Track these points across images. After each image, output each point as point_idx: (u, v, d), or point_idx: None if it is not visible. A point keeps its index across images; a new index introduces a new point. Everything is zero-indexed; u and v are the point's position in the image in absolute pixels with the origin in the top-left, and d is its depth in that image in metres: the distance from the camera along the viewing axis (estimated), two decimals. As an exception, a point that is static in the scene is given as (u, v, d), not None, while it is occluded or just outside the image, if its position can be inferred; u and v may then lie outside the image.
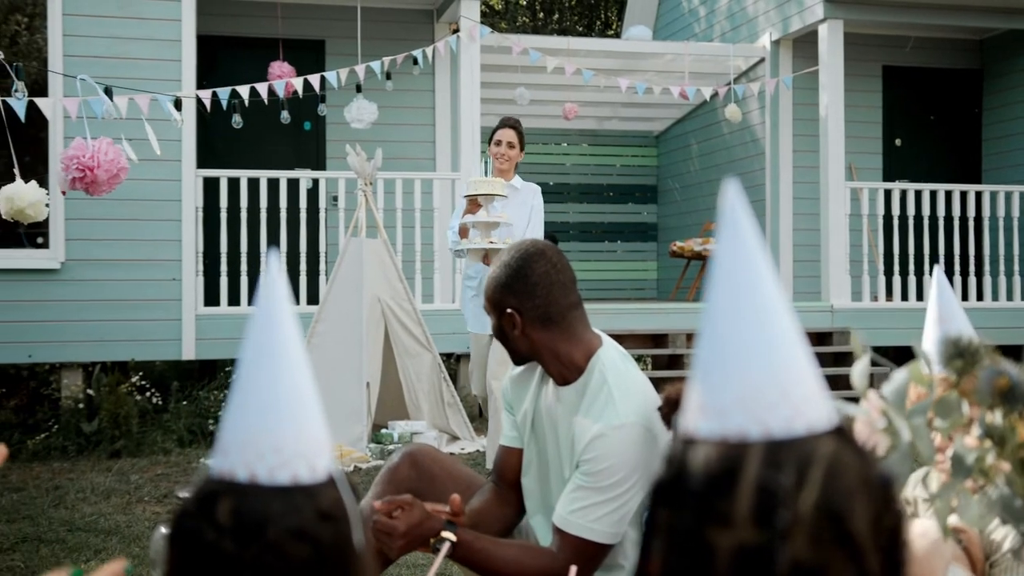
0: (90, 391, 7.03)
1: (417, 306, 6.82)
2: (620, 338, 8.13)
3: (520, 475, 2.63)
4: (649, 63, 10.00)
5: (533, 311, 2.41)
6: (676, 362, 8.05)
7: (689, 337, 8.06)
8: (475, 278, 5.77)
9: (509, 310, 2.43)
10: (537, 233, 5.66)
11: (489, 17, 18.39)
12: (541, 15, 19.00)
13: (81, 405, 7.02)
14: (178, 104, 5.72)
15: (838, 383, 6.50)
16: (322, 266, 7.72)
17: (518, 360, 2.56)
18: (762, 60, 9.73)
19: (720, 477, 0.78)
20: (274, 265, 0.88)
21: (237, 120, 6.80)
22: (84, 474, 5.94)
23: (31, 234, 7.61)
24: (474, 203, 5.32)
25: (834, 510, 0.78)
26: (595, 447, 2.31)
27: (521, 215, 5.66)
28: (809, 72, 9.07)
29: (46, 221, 7.27)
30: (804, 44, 9.38)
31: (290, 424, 0.86)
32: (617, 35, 17.77)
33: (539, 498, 2.58)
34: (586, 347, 2.45)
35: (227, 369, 7.61)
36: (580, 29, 18.91)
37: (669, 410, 2.26)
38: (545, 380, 2.55)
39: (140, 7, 7.54)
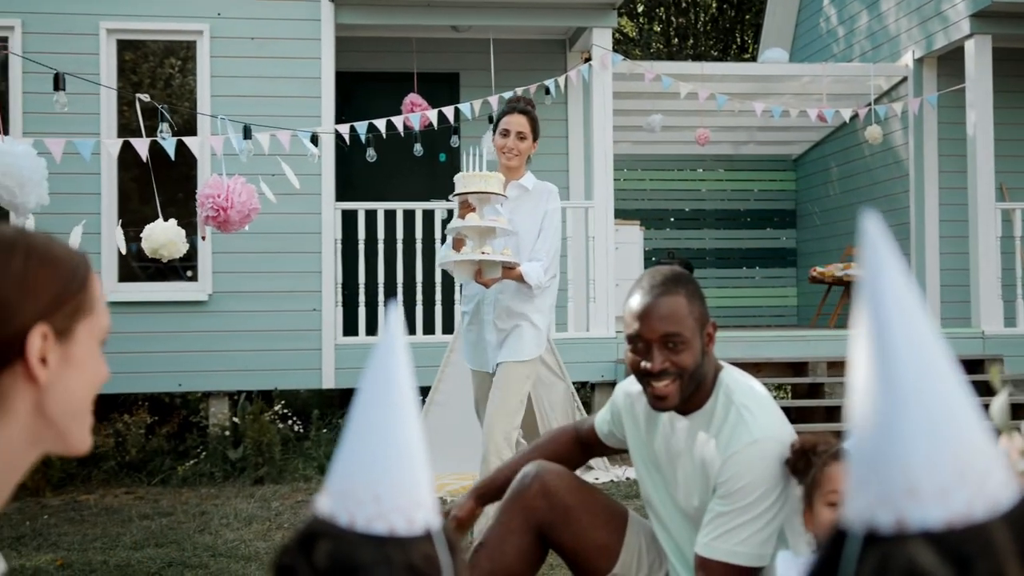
0: (236, 419, 7.26)
1: (550, 335, 6.81)
2: (759, 366, 7.95)
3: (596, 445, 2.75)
4: (785, 86, 9.82)
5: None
6: (816, 391, 7.82)
7: (830, 365, 7.83)
8: (473, 299, 4.52)
9: (713, 321, 2.38)
10: (549, 246, 4.40)
11: (623, 45, 18.39)
12: (675, 41, 18.90)
13: (227, 433, 7.25)
14: (315, 139, 5.88)
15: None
16: (456, 296, 7.80)
17: (683, 397, 2.34)
18: (904, 79, 9.44)
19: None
20: (395, 318, 0.89)
21: (371, 154, 6.95)
22: (229, 500, 6.12)
23: (182, 267, 7.93)
24: (466, 205, 4.18)
25: None
26: (730, 467, 2.25)
27: (531, 222, 4.41)
28: (955, 90, 8.75)
29: (195, 255, 7.60)
30: (949, 61, 9.06)
31: (393, 477, 0.87)
32: (753, 59, 17.55)
33: (671, 543, 2.52)
34: (715, 369, 2.41)
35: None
36: (715, 54, 18.74)
37: (796, 460, 2.19)
38: (651, 413, 2.49)
39: (282, 47, 7.81)
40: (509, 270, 4.20)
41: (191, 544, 5.04)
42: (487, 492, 2.73)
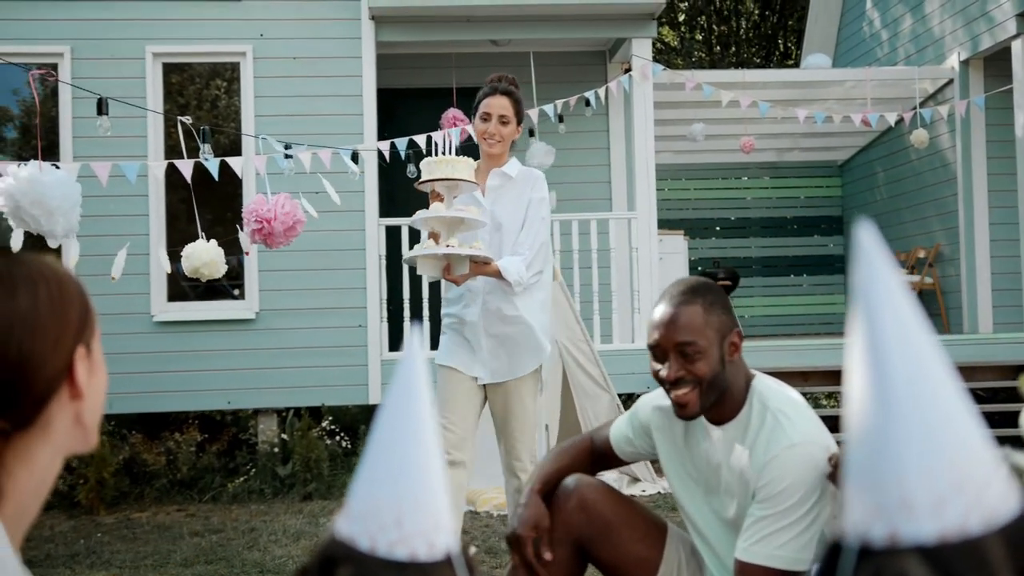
0: (284, 436, 7.32)
1: (595, 347, 6.80)
2: (807, 375, 7.84)
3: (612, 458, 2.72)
4: (829, 91, 9.73)
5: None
6: (867, 399, 7.71)
7: (880, 373, 7.73)
8: (458, 301, 3.96)
9: (737, 330, 2.39)
10: (534, 238, 3.88)
11: (664, 54, 18.36)
12: (718, 49, 18.82)
13: (276, 449, 7.32)
14: (355, 157, 5.93)
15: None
16: (501, 309, 7.81)
17: (704, 404, 2.35)
18: (950, 82, 9.32)
19: None
20: (415, 341, 0.89)
21: (411, 170, 6.99)
22: (278, 516, 6.17)
23: (230, 286, 8.03)
24: (434, 194, 3.75)
25: None
26: (769, 471, 2.25)
27: (515, 213, 3.92)
28: (1002, 91, 8.62)
29: (242, 273, 7.69)
30: (996, 62, 8.93)
31: (417, 501, 0.87)
32: (796, 65, 17.42)
33: (711, 554, 2.50)
34: (746, 378, 2.41)
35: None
36: (758, 61, 18.63)
37: (836, 470, 2.17)
38: (690, 426, 2.48)
39: (323, 65, 7.88)
40: (483, 265, 3.71)
41: (240, 561, 5.09)
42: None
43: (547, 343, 3.94)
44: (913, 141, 8.56)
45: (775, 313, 11.68)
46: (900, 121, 8.84)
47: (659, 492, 6.41)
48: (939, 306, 9.57)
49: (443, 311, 4.04)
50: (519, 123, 3.98)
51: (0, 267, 1.19)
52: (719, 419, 2.40)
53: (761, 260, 12.14)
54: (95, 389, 1.26)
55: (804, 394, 10.14)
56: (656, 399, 2.60)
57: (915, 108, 8.67)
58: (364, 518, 0.87)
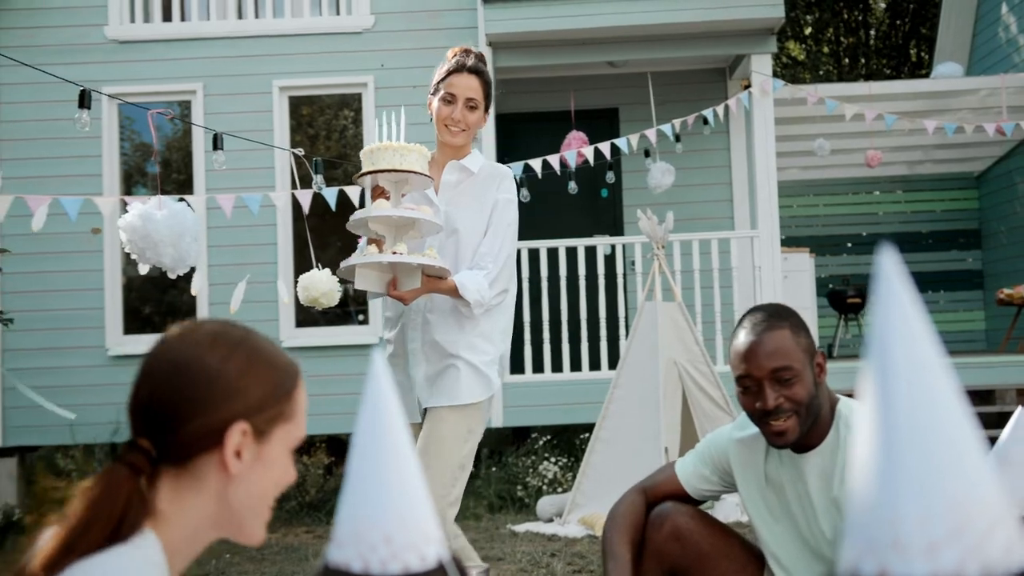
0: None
1: (716, 368, 6.70)
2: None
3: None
4: (961, 101, 9.39)
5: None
6: (1005, 420, 7.38)
7: (1020, 392, 7.39)
8: (396, 321, 3.24)
9: (822, 351, 2.34)
10: (499, 248, 3.14)
11: (791, 69, 18.04)
12: (846, 61, 18.40)
13: (401, 472, 7.41)
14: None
15: None
16: (622, 331, 7.77)
17: (802, 430, 2.26)
18: (1092, 86, 8.89)
19: None
20: (378, 361, 0.91)
21: (525, 194, 7.03)
22: (401, 538, 6.24)
23: (355, 311, 8.21)
24: (377, 190, 3.01)
25: None
26: None
27: (477, 217, 3.18)
28: None
29: (365, 299, 7.85)
30: None
31: (402, 515, 0.88)
32: (929, 75, 16.90)
33: None
34: (831, 401, 2.34)
35: (533, 435, 7.79)
36: (888, 72, 18.13)
37: None
38: (771, 455, 2.41)
39: (442, 94, 8.01)
40: (435, 280, 3.00)
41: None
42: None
43: (496, 378, 3.19)
44: (1052, 150, 8.19)
45: (910, 331, 11.30)
46: (1038, 129, 8.46)
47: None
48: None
49: (382, 335, 3.30)
50: (487, 109, 3.25)
51: (221, 326, 1.36)
52: (806, 446, 2.33)
53: (894, 276, 11.74)
54: (255, 480, 1.30)
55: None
56: (732, 432, 2.52)
57: (1054, 115, 8.30)
58: (353, 541, 0.89)
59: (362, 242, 3.16)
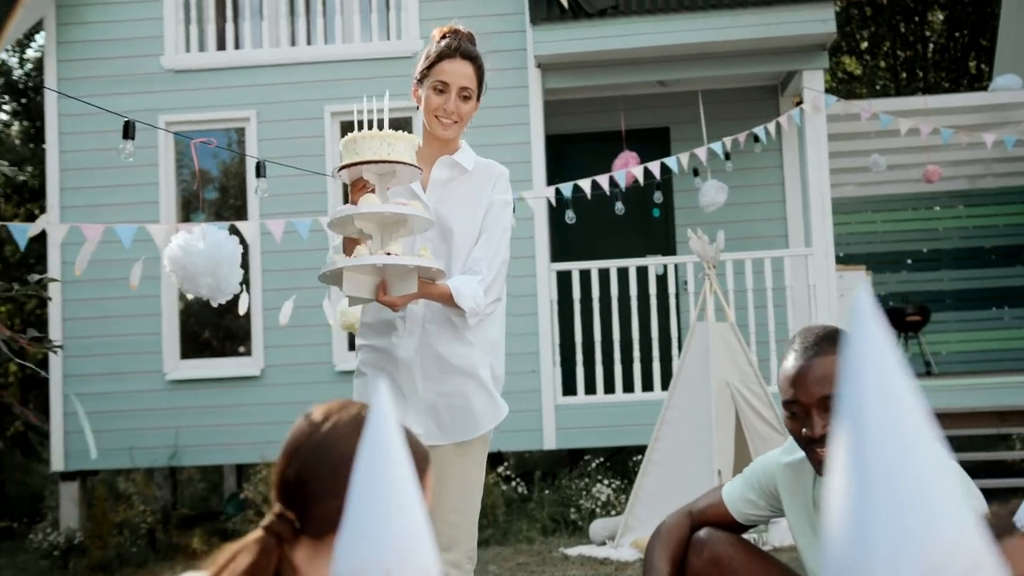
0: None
1: (769, 389, 6.60)
2: (1003, 415, 7.40)
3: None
4: (1021, 113, 9.20)
5: None
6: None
7: (1087, 411, 7.19)
8: (383, 332, 2.89)
9: None
10: (493, 253, 2.84)
11: (847, 84, 17.84)
12: (904, 75, 18.15)
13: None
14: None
15: None
16: (674, 351, 7.71)
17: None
18: None
19: None
20: (383, 393, 0.89)
21: (570, 216, 7.02)
22: (453, 561, 6.23)
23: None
24: (359, 184, 2.66)
25: None
26: None
27: (469, 217, 2.88)
28: None
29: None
30: None
31: (403, 549, 0.87)
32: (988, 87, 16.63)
33: None
34: None
35: (586, 457, 7.74)
36: (947, 85, 17.84)
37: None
38: (820, 480, 2.35)
39: (491, 115, 8.02)
40: (428, 284, 2.68)
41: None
42: None
43: (497, 402, 2.97)
44: (1117, 161, 7.99)
45: (971, 349, 11.05)
46: (1102, 141, 8.26)
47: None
48: None
49: (359, 341, 2.94)
50: (479, 98, 2.94)
51: (363, 409, 1.48)
52: None
53: (955, 293, 11.52)
54: None
55: (998, 436, 9.52)
56: (780, 456, 2.46)
57: (1118, 126, 8.10)
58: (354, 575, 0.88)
59: (336, 242, 2.84)
